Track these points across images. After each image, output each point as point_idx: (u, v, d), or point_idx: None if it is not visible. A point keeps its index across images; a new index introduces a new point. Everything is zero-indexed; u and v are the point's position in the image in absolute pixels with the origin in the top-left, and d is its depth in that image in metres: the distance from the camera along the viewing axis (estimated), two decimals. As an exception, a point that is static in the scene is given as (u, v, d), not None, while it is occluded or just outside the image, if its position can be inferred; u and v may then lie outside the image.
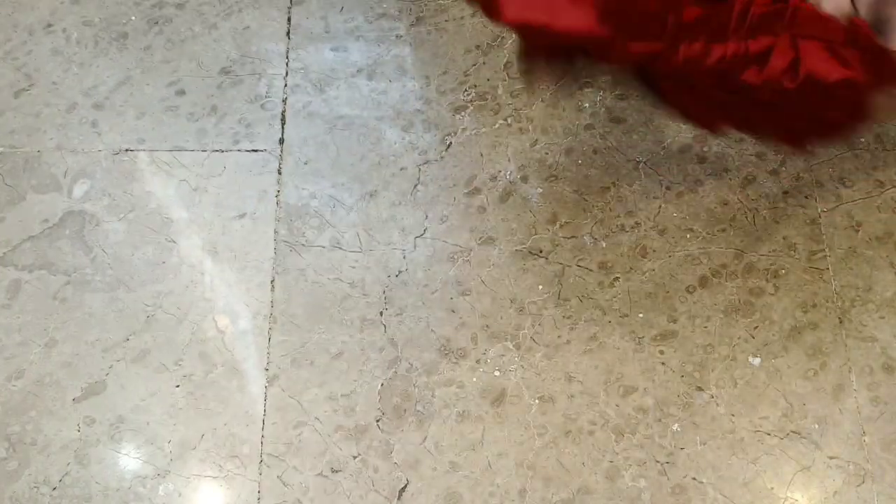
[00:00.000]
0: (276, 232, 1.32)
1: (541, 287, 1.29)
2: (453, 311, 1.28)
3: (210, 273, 1.29)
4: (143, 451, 1.19)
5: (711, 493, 1.18)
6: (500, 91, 1.42)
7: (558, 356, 1.25)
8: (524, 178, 1.36)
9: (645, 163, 1.37)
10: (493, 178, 1.36)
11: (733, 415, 1.22)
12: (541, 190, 1.36)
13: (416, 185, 1.36)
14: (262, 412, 1.22)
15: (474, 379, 1.24)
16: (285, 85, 1.42)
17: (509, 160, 1.38)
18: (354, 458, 1.20)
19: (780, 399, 1.23)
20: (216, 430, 1.21)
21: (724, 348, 1.26)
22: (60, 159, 1.36)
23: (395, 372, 1.24)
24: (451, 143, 1.39)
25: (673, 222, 1.33)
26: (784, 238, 1.32)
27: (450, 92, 1.42)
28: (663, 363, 1.25)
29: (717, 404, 1.23)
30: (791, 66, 0.94)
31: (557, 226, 1.33)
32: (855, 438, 1.21)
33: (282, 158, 1.37)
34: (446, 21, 1.47)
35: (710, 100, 1.08)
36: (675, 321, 1.28)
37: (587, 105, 1.41)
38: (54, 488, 1.17)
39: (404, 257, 1.31)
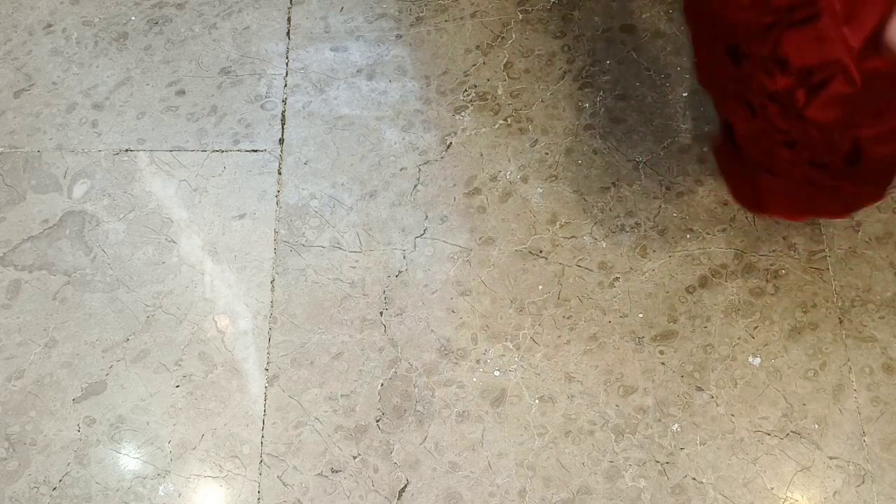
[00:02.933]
0: (276, 232, 1.32)
1: (541, 287, 1.29)
2: (453, 311, 1.28)
3: (210, 273, 1.29)
4: (143, 451, 1.19)
5: (711, 493, 1.18)
6: (500, 91, 1.42)
7: (558, 356, 1.25)
8: (524, 178, 1.36)
9: (645, 163, 1.37)
10: (493, 178, 1.36)
11: (733, 415, 1.22)
12: (541, 190, 1.36)
13: (416, 185, 1.36)
14: (262, 412, 1.22)
15: (474, 379, 1.24)
16: (285, 85, 1.42)
17: (509, 160, 1.37)
18: (354, 458, 1.20)
19: (780, 399, 1.23)
20: (216, 430, 1.21)
21: (724, 348, 1.26)
22: (60, 159, 1.36)
23: (395, 372, 1.24)
24: (451, 143, 1.39)
25: (673, 222, 1.33)
26: (784, 238, 1.32)
27: (450, 92, 1.42)
28: (663, 363, 1.25)
29: (717, 404, 1.23)
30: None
31: (557, 226, 1.33)
32: (855, 438, 1.21)
33: (282, 158, 1.37)
34: (446, 21, 1.47)
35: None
36: (675, 321, 1.28)
37: (587, 105, 1.41)
38: (54, 488, 1.17)
39: (404, 257, 1.31)
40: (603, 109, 1.41)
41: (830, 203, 1.14)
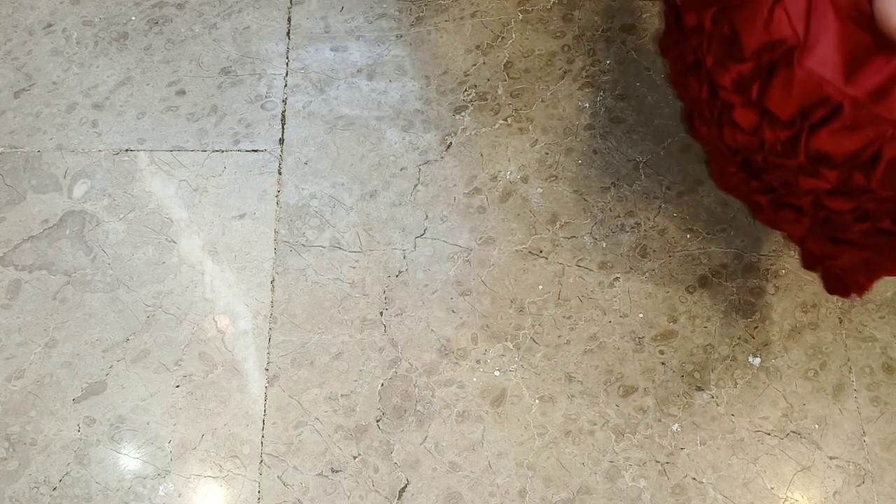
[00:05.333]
0: (276, 232, 1.32)
1: (541, 287, 1.29)
2: (453, 311, 1.28)
3: (210, 273, 1.29)
4: (143, 451, 1.19)
5: (711, 493, 1.18)
6: (500, 91, 1.42)
7: (558, 356, 1.25)
8: (524, 178, 1.36)
9: (645, 163, 1.37)
10: (493, 178, 1.36)
11: (733, 415, 1.22)
12: (541, 190, 1.36)
13: (416, 185, 1.36)
14: (262, 412, 1.22)
15: (474, 379, 1.24)
16: (285, 85, 1.42)
17: (509, 160, 1.37)
18: (354, 458, 1.20)
19: (780, 399, 1.23)
20: (216, 430, 1.21)
21: (724, 348, 1.26)
22: (60, 159, 1.36)
23: (395, 372, 1.24)
24: (451, 143, 1.39)
25: (673, 222, 1.33)
26: (784, 238, 1.32)
27: (450, 92, 1.42)
28: (663, 363, 1.25)
29: (717, 404, 1.23)
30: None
31: (557, 226, 1.33)
32: (855, 438, 1.21)
33: (282, 158, 1.37)
34: (446, 21, 1.47)
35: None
36: (675, 321, 1.28)
37: (587, 105, 1.41)
38: (54, 488, 1.17)
39: (404, 257, 1.31)
40: (603, 109, 1.41)
41: None
